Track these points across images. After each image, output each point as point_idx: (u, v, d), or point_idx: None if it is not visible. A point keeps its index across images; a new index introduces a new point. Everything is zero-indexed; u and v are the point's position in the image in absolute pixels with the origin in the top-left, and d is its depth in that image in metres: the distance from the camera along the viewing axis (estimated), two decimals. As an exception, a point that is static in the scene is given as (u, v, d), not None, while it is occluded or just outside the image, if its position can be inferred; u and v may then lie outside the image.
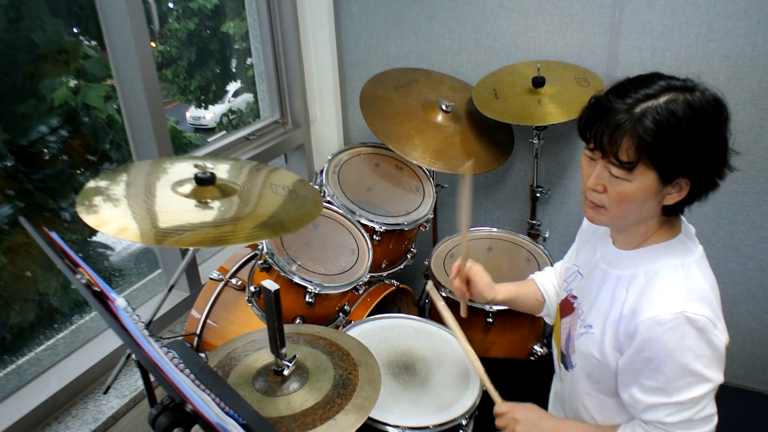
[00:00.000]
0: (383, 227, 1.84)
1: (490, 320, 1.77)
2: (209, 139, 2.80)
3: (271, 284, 1.06)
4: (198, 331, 1.72)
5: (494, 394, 1.32)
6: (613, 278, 1.18)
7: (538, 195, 2.20)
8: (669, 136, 0.99)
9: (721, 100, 1.03)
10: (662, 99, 1.00)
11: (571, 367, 1.27)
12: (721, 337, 1.06)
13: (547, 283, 1.52)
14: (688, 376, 1.04)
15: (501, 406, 1.30)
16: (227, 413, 0.81)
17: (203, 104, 5.77)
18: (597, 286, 1.22)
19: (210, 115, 6.42)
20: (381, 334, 1.58)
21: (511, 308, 1.53)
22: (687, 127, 0.99)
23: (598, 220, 1.15)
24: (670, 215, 1.13)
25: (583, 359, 1.21)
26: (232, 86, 6.18)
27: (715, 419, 1.09)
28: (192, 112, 6.52)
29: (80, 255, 0.96)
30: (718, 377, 1.06)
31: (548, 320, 1.54)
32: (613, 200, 1.08)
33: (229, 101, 6.30)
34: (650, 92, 1.01)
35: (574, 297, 1.29)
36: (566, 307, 1.32)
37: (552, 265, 1.93)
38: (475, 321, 1.81)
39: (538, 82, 1.97)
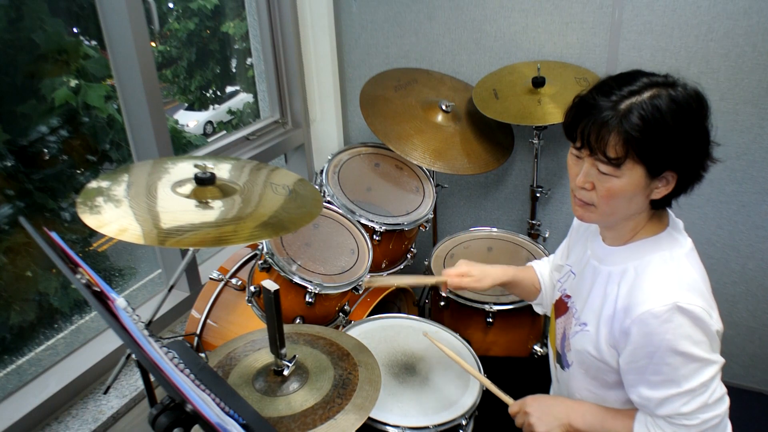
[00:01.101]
0: (383, 227, 1.84)
1: (490, 320, 1.77)
2: (209, 139, 2.81)
3: (270, 284, 1.06)
4: (198, 331, 1.72)
5: (504, 397, 1.33)
6: (604, 274, 1.19)
7: (538, 195, 2.20)
8: (655, 131, 1.01)
9: (701, 93, 1.06)
10: (646, 95, 1.02)
11: (567, 366, 1.27)
12: (716, 324, 1.07)
13: (544, 271, 1.53)
14: (692, 362, 1.05)
15: (513, 406, 1.30)
16: (227, 413, 0.81)
17: (203, 105, 5.74)
18: (589, 284, 1.22)
19: (193, 123, 6.32)
20: (381, 334, 1.58)
21: (508, 291, 1.55)
22: (672, 121, 1.01)
23: (587, 218, 1.16)
24: (658, 209, 1.14)
25: (580, 357, 1.22)
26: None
27: (727, 399, 1.11)
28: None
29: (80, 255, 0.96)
30: (719, 359, 1.08)
31: (539, 310, 1.55)
32: (602, 197, 1.09)
33: (213, 108, 6.20)
34: (634, 89, 1.03)
35: (568, 296, 1.30)
36: (560, 306, 1.32)
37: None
38: (475, 321, 1.81)
39: (538, 82, 1.97)
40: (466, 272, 1.46)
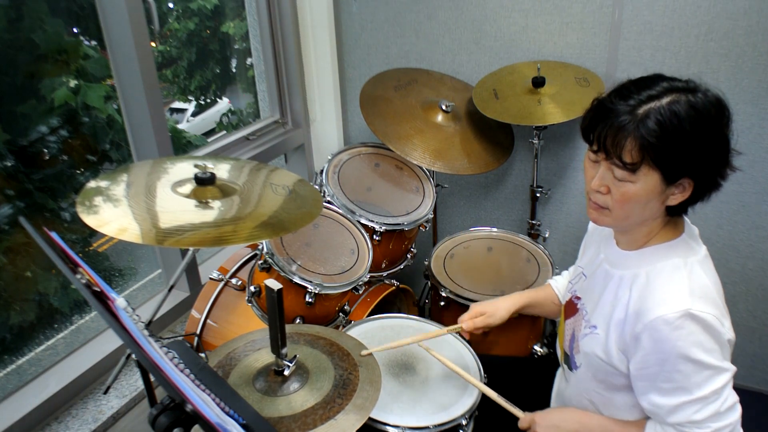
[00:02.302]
0: (383, 227, 1.84)
1: (490, 320, 1.77)
2: (209, 139, 2.81)
3: (274, 283, 1.06)
4: (198, 331, 1.72)
5: (513, 410, 1.32)
6: (616, 278, 1.18)
7: (538, 195, 2.20)
8: (672, 137, 1.00)
9: (723, 101, 1.04)
10: (665, 100, 1.01)
11: (575, 368, 1.27)
12: (727, 333, 1.06)
13: (562, 287, 1.53)
14: (704, 369, 1.04)
15: (523, 421, 1.30)
16: (227, 413, 0.81)
17: (201, 105, 5.72)
18: (600, 287, 1.22)
19: (171, 133, 6.19)
20: (381, 334, 1.58)
21: (528, 313, 1.55)
22: (690, 128, 1.00)
23: (601, 221, 1.15)
24: (674, 216, 1.13)
25: (588, 360, 1.22)
26: (192, 105, 5.85)
27: (739, 407, 1.10)
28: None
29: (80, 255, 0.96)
30: (731, 366, 1.07)
31: None
32: (616, 201, 1.08)
33: (188, 120, 6.02)
34: (653, 93, 1.02)
35: (578, 298, 1.30)
36: (570, 308, 1.32)
37: (552, 265, 1.94)
38: (475, 321, 1.81)
39: (538, 82, 1.97)
40: (478, 312, 1.47)
